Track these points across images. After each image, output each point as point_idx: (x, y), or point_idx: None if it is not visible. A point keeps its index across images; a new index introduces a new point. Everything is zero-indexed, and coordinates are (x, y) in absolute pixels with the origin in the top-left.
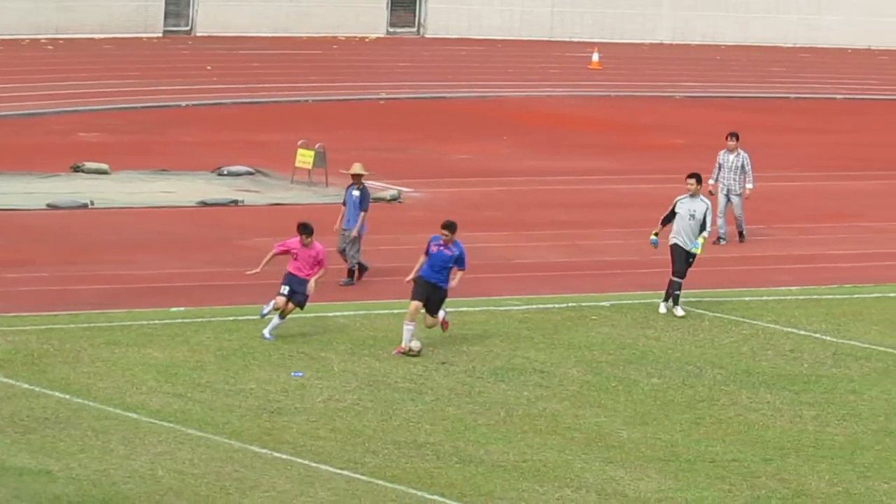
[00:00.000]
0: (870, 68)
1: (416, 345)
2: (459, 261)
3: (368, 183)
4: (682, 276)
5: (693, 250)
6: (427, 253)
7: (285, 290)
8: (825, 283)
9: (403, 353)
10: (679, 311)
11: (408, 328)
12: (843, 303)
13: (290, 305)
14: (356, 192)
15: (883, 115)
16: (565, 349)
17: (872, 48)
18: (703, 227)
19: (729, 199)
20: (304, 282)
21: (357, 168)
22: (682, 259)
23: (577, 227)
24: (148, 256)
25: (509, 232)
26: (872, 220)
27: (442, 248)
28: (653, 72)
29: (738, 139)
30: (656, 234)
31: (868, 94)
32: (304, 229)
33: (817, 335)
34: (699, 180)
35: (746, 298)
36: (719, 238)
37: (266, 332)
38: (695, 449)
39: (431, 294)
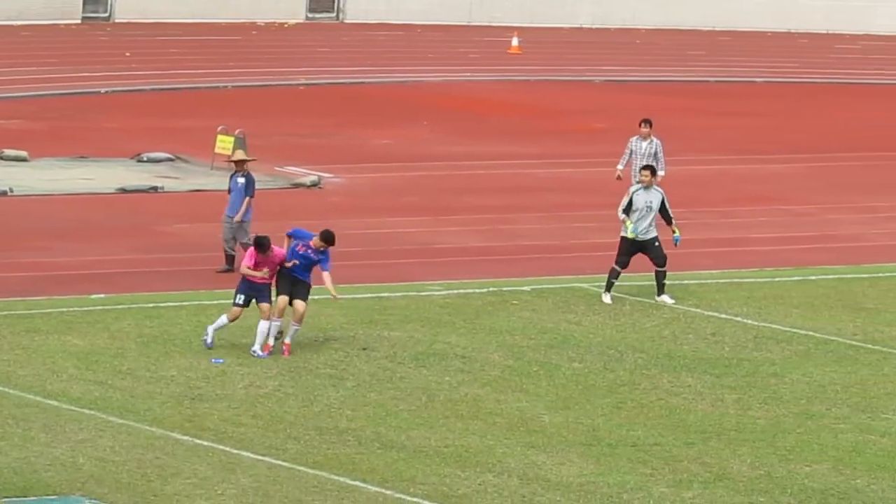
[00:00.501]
0: (790, 51)
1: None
2: (323, 263)
3: (289, 169)
4: (624, 265)
5: (677, 244)
6: (291, 247)
7: (240, 299)
8: (746, 266)
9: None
10: (668, 300)
11: (275, 324)
12: (763, 286)
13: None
14: (241, 179)
15: (803, 99)
16: (486, 334)
17: (792, 31)
18: (667, 218)
19: None
20: (265, 286)
21: (240, 154)
22: (627, 250)
23: (498, 212)
24: (68, 244)
25: (430, 217)
26: (793, 204)
27: (309, 251)
28: (573, 56)
29: (651, 126)
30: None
31: (788, 78)
32: (261, 246)
33: (738, 319)
34: (653, 172)
35: (667, 282)
36: None
37: (257, 348)
38: (616, 433)
39: (296, 286)
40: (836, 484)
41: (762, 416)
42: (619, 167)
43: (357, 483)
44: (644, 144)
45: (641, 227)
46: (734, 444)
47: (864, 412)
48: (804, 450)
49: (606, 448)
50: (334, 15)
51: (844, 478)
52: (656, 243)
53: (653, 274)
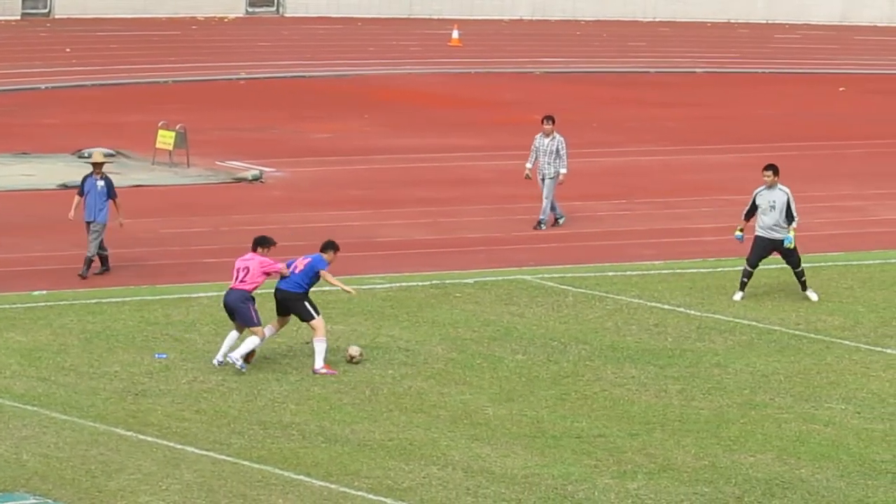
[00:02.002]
0: (730, 42)
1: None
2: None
3: (231, 163)
4: (754, 266)
5: (787, 245)
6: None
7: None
8: (688, 256)
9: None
10: (737, 296)
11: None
12: (706, 276)
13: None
14: (101, 182)
15: (743, 89)
16: (430, 327)
17: (732, 21)
18: (790, 218)
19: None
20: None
21: (98, 156)
22: (760, 251)
23: (440, 205)
24: (9, 240)
25: (371, 210)
26: (734, 194)
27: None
28: (513, 48)
29: (553, 122)
30: (741, 230)
31: (728, 68)
32: (264, 242)
33: (681, 309)
34: (776, 171)
35: (610, 273)
36: (556, 219)
37: (237, 360)
38: (560, 425)
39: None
40: (780, 473)
41: (706, 407)
42: (528, 165)
43: (301, 477)
44: (546, 141)
45: (768, 223)
46: (678, 434)
47: (807, 402)
48: (748, 440)
49: (551, 440)
50: (274, 9)
51: (788, 467)
52: (789, 245)
53: (588, 265)
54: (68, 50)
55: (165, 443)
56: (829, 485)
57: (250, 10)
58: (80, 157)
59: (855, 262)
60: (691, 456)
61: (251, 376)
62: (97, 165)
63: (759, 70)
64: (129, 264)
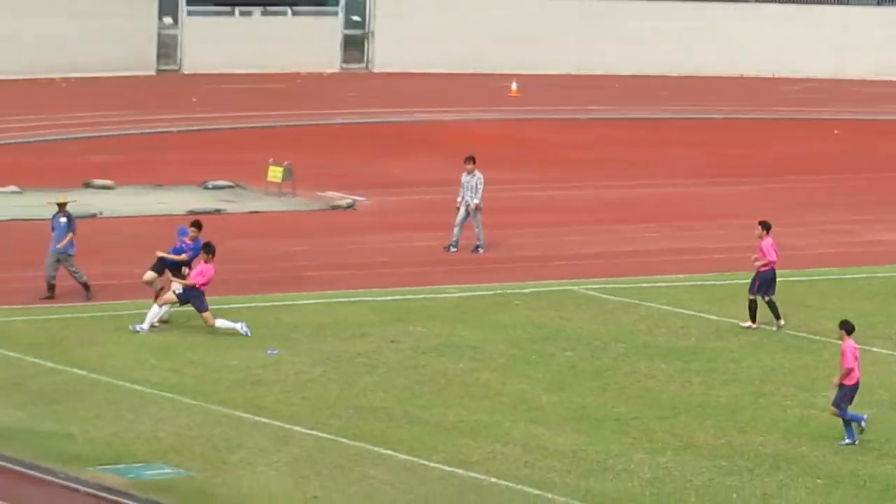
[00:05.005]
0: (742, 92)
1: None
2: (195, 250)
3: (328, 193)
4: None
5: None
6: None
7: (178, 288)
8: (707, 271)
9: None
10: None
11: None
12: (722, 287)
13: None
14: (63, 219)
15: (753, 132)
16: (494, 329)
17: (744, 75)
18: None
19: (468, 214)
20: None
21: (61, 198)
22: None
23: (502, 228)
24: (147, 257)
25: (444, 232)
26: (745, 219)
27: (185, 243)
28: (562, 98)
29: (474, 162)
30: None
31: (741, 115)
32: (207, 248)
33: (702, 314)
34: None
35: (643, 285)
36: (477, 247)
37: (144, 325)
38: (602, 410)
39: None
40: (784, 450)
41: (723, 395)
42: (459, 199)
43: (389, 452)
44: (467, 178)
45: None
46: (700, 418)
47: (807, 391)
48: (758, 422)
49: (594, 422)
50: (364, 65)
51: (792, 445)
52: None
53: (625, 278)
54: (194, 99)
55: (276, 423)
56: (825, 459)
57: (344, 66)
58: (204, 188)
59: (847, 276)
60: (711, 435)
61: (347, 369)
62: (61, 205)
63: (767, 116)
64: (244, 276)
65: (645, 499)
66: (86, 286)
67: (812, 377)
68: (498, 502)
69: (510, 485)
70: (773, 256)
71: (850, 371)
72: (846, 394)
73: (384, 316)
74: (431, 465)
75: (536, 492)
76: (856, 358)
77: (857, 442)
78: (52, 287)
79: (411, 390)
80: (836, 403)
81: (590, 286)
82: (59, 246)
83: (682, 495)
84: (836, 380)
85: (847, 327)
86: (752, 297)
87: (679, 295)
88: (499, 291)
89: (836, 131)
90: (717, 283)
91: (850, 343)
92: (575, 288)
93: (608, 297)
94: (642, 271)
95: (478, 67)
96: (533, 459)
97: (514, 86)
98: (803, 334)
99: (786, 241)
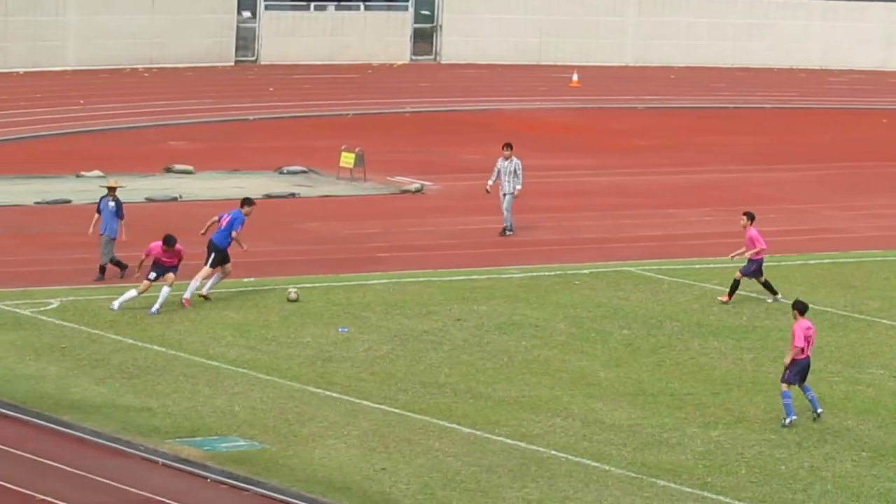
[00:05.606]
0: (791, 83)
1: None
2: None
3: (398, 178)
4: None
5: None
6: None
7: (152, 275)
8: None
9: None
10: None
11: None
12: (772, 269)
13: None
14: (112, 203)
15: (802, 120)
16: (554, 308)
17: (793, 67)
18: None
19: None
20: (172, 267)
21: (112, 181)
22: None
23: (563, 211)
24: None
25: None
26: (794, 203)
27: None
28: (620, 88)
29: (511, 149)
30: None
31: (790, 104)
32: (168, 241)
33: (753, 295)
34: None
35: (696, 266)
36: (505, 229)
37: (116, 303)
38: (657, 385)
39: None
40: (831, 425)
41: (773, 372)
42: (489, 182)
43: (453, 425)
44: (506, 164)
45: None
46: (751, 393)
47: (853, 368)
48: (804, 398)
49: (650, 397)
50: (433, 57)
51: (838, 420)
52: None
53: (679, 259)
54: (271, 89)
55: (346, 398)
56: (870, 433)
57: (414, 57)
58: (280, 173)
59: (891, 258)
60: (761, 410)
61: (413, 346)
62: (111, 189)
63: (815, 106)
64: (318, 258)
65: (698, 471)
66: (120, 265)
67: (858, 354)
68: (557, 473)
69: (569, 457)
70: (763, 244)
71: (801, 350)
72: (793, 369)
73: (450, 295)
74: (494, 438)
75: (594, 464)
76: (806, 338)
77: (794, 420)
78: (119, 263)
79: (475, 366)
80: (786, 379)
81: (646, 267)
82: (122, 237)
83: (733, 467)
84: (787, 359)
85: (799, 307)
86: (739, 277)
87: (731, 275)
88: (559, 272)
89: (884, 120)
90: (768, 264)
91: (802, 323)
92: (632, 269)
93: (664, 277)
94: (697, 253)
95: (541, 59)
96: (591, 433)
97: (574, 77)
98: (849, 313)
99: (833, 223)
